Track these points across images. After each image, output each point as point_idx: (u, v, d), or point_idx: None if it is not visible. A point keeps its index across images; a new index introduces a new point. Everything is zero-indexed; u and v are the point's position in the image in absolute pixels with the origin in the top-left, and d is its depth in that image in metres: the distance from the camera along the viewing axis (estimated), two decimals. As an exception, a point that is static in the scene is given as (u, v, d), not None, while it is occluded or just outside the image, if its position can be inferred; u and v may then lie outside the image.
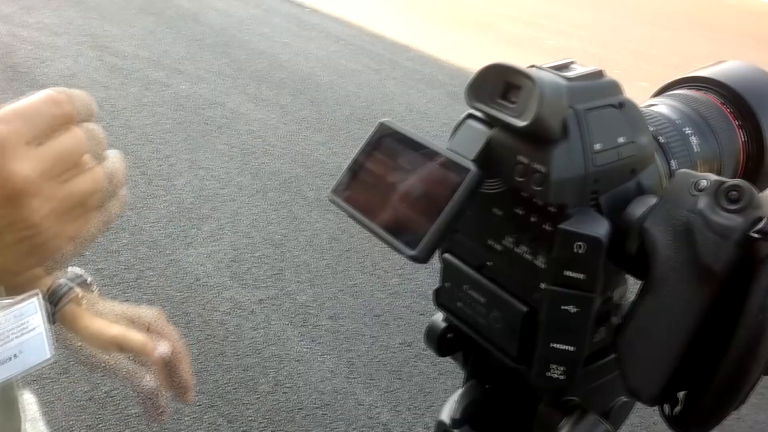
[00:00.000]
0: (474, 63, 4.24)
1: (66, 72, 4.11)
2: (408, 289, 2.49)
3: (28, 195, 0.37)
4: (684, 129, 0.50)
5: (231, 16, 5.73)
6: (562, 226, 0.40)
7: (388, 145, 0.46)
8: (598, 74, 0.43)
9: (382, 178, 0.45)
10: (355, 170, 0.47)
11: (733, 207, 0.38)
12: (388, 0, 7.08)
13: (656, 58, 5.82)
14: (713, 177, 0.40)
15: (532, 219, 0.43)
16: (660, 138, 0.49)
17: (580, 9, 7.70)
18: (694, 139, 0.50)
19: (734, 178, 0.52)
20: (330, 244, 2.69)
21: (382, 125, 0.47)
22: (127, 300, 2.30)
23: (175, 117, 3.64)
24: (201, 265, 2.51)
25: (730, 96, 0.53)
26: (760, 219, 0.38)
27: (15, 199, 0.37)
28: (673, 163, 0.48)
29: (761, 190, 0.54)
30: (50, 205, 0.38)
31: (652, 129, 0.49)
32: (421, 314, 2.36)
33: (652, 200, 0.42)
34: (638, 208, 0.42)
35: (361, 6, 6.65)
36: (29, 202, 0.37)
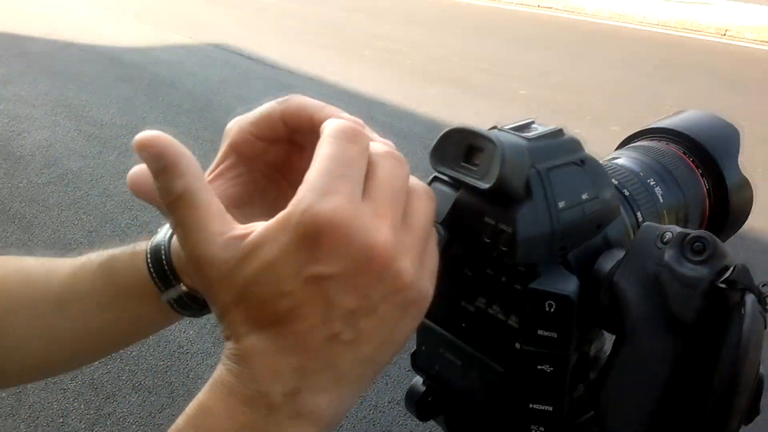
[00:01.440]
0: (449, 115, 4.33)
1: (43, 143, 4.12)
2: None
3: (395, 260, 0.33)
4: (648, 180, 0.51)
5: (208, 81, 5.81)
6: (531, 285, 0.40)
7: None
8: (559, 133, 0.43)
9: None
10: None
11: (698, 258, 0.39)
12: (363, 57, 7.22)
13: (627, 102, 5.95)
14: (677, 229, 0.41)
15: (503, 279, 0.43)
16: (625, 191, 0.49)
17: (549, 58, 7.89)
18: (658, 190, 0.51)
19: (700, 226, 0.53)
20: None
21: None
22: (107, 372, 2.26)
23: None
24: (183, 331, 2.48)
25: (691, 145, 0.54)
26: (726, 268, 0.39)
27: (385, 271, 0.33)
28: (639, 214, 0.48)
29: (728, 236, 0.54)
30: (411, 255, 0.35)
31: (616, 182, 0.50)
32: (408, 370, 2.32)
33: (620, 254, 0.42)
34: (607, 263, 0.42)
35: (336, 65, 6.77)
36: (398, 266, 0.33)
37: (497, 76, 6.69)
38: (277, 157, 0.46)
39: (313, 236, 0.32)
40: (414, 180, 0.39)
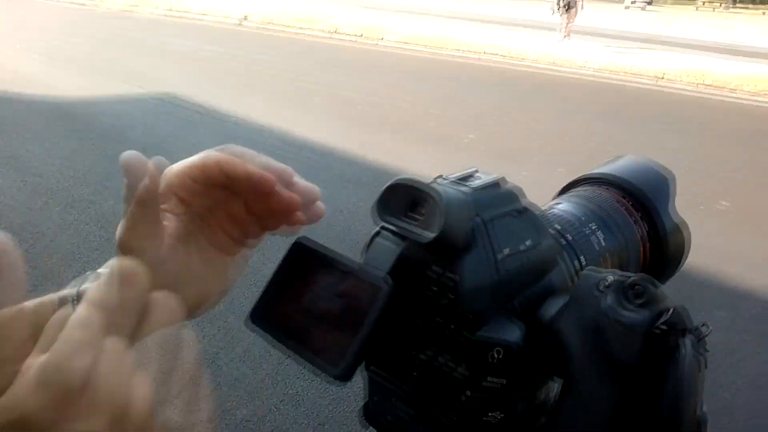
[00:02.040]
0: (398, 162, 4.37)
1: (-15, 197, 4.01)
2: (351, 394, 2.44)
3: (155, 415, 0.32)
4: (589, 225, 0.52)
5: (156, 132, 5.77)
6: (478, 334, 0.41)
7: (304, 263, 0.46)
8: (500, 183, 0.45)
9: (300, 298, 0.45)
10: (272, 292, 0.46)
11: (637, 302, 0.40)
12: (313, 105, 7.28)
13: (571, 146, 6.11)
14: (617, 274, 0.42)
15: (451, 328, 0.43)
16: (566, 236, 0.51)
17: (495, 104, 8.08)
18: (599, 234, 0.52)
19: (640, 269, 0.55)
20: (268, 353, 2.63)
21: (297, 243, 0.47)
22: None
23: (102, 234, 3.56)
24: (133, 387, 2.41)
25: (628, 190, 0.56)
26: (664, 311, 0.40)
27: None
28: (580, 259, 0.50)
29: (667, 278, 0.56)
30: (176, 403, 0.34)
31: (558, 227, 0.51)
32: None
33: (563, 300, 0.43)
34: (550, 309, 0.43)
35: (286, 113, 6.80)
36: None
37: (445, 122, 6.82)
38: (212, 201, 0.47)
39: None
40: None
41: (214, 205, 0.47)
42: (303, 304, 0.45)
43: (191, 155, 0.48)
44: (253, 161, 0.44)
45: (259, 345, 2.67)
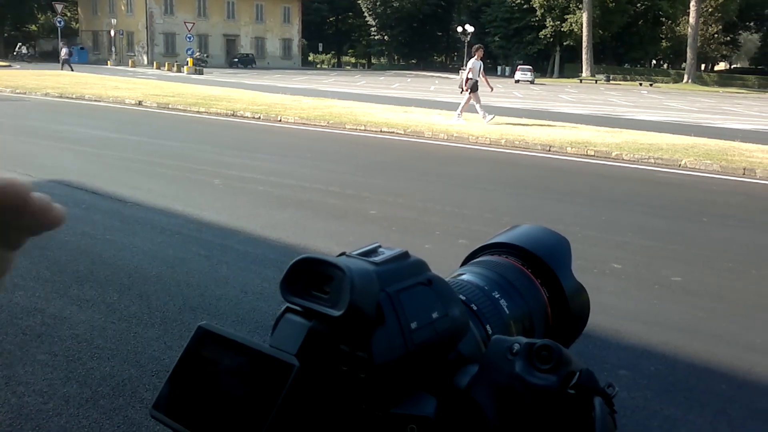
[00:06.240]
0: (303, 239, 4.35)
1: None
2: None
3: None
4: (493, 293, 0.53)
5: (47, 218, 5.51)
6: (392, 410, 0.40)
7: (208, 349, 0.44)
8: (404, 255, 0.45)
9: (206, 385, 0.43)
10: (177, 380, 0.44)
11: (545, 366, 0.40)
12: (214, 187, 7.19)
13: (470, 217, 6.28)
14: (524, 340, 0.42)
15: (363, 407, 0.42)
16: (472, 305, 0.51)
17: (396, 179, 8.25)
18: (503, 302, 0.53)
19: (545, 332, 0.56)
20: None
21: (200, 329, 0.46)
22: None
23: None
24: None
25: (528, 257, 0.57)
26: (573, 374, 0.40)
27: None
28: (488, 327, 0.50)
29: (571, 342, 0.57)
30: None
31: (464, 297, 0.51)
32: None
33: (474, 368, 0.43)
34: (463, 379, 0.43)
35: (186, 195, 6.68)
36: None
37: (347, 198, 6.88)
38: None
39: None
40: None
41: None
42: (209, 391, 0.42)
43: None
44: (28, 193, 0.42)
45: (162, 439, 2.52)
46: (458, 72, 14.67)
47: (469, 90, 14.12)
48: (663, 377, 3.20)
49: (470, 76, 13.97)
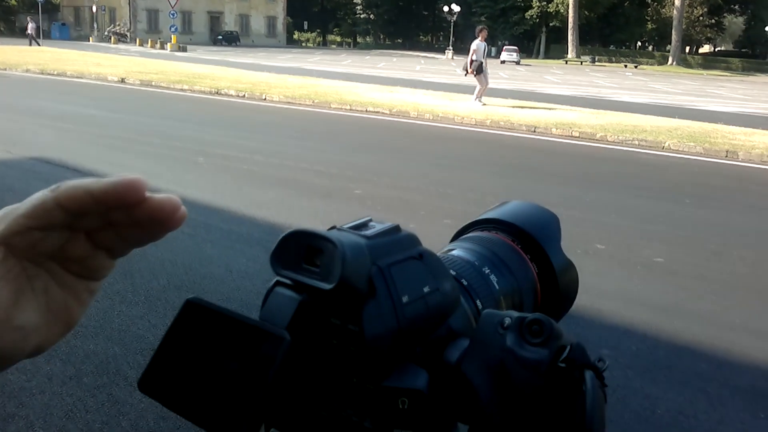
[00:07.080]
0: (288, 217, 4.34)
1: None
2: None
3: None
4: (483, 269, 0.53)
5: (28, 196, 5.45)
6: (383, 383, 0.40)
7: (197, 324, 0.44)
8: (396, 229, 0.44)
9: (195, 359, 0.43)
10: (165, 355, 0.43)
11: (537, 340, 0.40)
12: (198, 165, 7.14)
13: (455, 196, 6.29)
14: (515, 314, 0.42)
15: (354, 380, 0.42)
16: (463, 280, 0.51)
17: (380, 158, 8.23)
18: (493, 278, 0.53)
19: (534, 308, 0.56)
20: (158, 425, 2.49)
21: (188, 303, 0.45)
22: None
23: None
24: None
25: (517, 233, 0.57)
26: (564, 348, 0.40)
27: None
28: (478, 302, 0.50)
29: (560, 317, 0.57)
30: None
31: (454, 273, 0.51)
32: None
33: (465, 343, 0.43)
34: (453, 353, 0.43)
35: (170, 173, 6.63)
36: None
37: (332, 177, 6.86)
38: (52, 244, 0.43)
39: None
40: None
41: (56, 248, 0.43)
42: (198, 366, 0.42)
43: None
44: (98, 186, 0.39)
45: (148, 415, 2.53)
46: (444, 52, 14.46)
47: (474, 72, 13.88)
48: (644, 356, 3.24)
49: (474, 57, 13.70)
